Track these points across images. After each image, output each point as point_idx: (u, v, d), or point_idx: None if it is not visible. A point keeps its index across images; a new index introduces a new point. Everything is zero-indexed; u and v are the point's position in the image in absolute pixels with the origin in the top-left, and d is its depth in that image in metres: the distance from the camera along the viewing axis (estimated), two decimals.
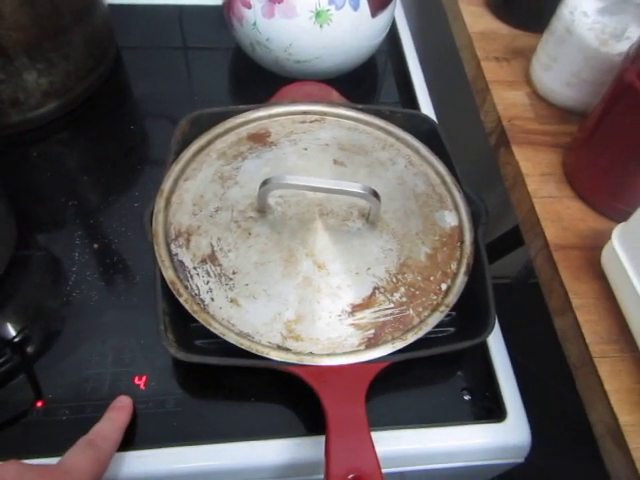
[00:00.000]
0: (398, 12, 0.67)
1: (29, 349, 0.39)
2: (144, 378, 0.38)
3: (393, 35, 0.64)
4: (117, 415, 0.35)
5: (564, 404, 0.46)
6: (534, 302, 0.43)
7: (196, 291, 0.37)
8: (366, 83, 0.61)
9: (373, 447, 0.31)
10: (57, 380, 0.38)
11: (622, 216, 0.37)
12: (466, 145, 0.64)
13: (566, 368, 0.38)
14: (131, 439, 0.36)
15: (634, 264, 0.34)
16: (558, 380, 0.42)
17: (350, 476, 0.30)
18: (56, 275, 0.43)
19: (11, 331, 0.39)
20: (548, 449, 0.53)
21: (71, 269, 0.43)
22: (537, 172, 0.44)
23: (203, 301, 0.36)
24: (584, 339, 0.35)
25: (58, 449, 0.34)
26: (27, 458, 0.33)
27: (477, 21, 0.55)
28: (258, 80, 0.56)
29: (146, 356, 0.39)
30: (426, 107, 0.57)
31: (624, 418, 0.32)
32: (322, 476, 0.31)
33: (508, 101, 0.49)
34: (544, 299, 0.41)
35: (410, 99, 0.59)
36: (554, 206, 0.42)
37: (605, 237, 0.37)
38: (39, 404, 0.36)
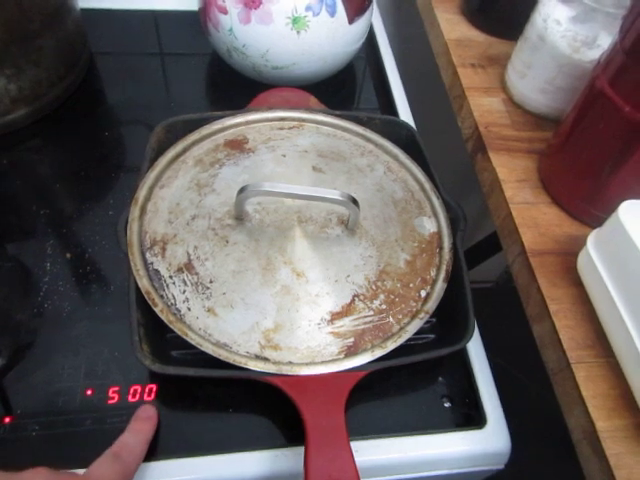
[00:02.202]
0: (375, 18, 0.67)
1: None
2: (118, 391, 0.37)
3: (371, 41, 0.65)
4: (142, 427, 0.34)
5: (546, 407, 0.46)
6: (517, 305, 0.43)
7: (172, 301, 0.36)
8: (344, 89, 0.61)
9: (352, 457, 0.31)
10: (27, 394, 0.36)
11: (597, 221, 0.37)
12: (445, 151, 0.65)
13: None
14: None
15: (608, 269, 0.35)
16: (541, 383, 0.42)
17: None
18: (27, 286, 0.41)
19: None
20: (529, 454, 0.53)
21: (43, 280, 0.42)
22: (513, 178, 0.44)
23: (179, 311, 0.36)
24: (561, 345, 0.35)
25: (28, 467, 0.32)
26: None
27: (453, 28, 0.56)
28: (235, 86, 0.56)
29: (120, 368, 0.38)
30: (404, 113, 0.57)
31: (600, 424, 0.32)
32: None
33: (484, 108, 0.49)
34: None
35: (389, 105, 0.59)
36: (530, 212, 0.42)
37: (581, 242, 0.38)
38: (7, 420, 0.35)
